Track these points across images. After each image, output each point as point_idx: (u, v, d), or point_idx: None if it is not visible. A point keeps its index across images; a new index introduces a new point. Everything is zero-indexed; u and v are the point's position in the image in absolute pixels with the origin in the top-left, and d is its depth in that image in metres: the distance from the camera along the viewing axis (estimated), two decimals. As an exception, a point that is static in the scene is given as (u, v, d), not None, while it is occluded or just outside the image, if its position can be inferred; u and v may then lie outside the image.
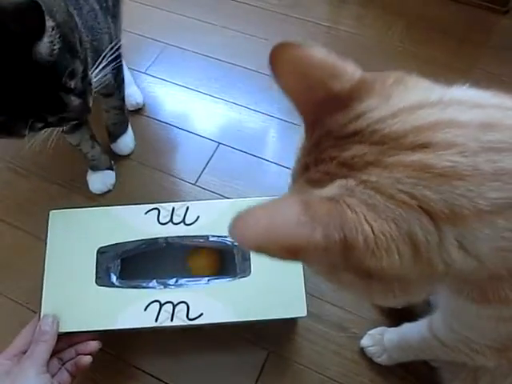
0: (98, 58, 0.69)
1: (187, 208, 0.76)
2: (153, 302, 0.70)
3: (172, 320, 0.69)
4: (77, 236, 0.75)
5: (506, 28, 1.22)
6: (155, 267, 0.74)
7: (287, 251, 0.32)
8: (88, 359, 0.69)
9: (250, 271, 0.72)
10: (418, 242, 0.31)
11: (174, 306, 0.69)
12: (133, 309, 0.69)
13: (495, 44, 1.19)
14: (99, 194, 0.98)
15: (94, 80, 0.67)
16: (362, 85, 0.36)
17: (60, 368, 0.68)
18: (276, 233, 0.31)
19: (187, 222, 0.75)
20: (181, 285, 0.72)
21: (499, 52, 1.16)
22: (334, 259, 0.32)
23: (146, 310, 0.69)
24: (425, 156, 0.31)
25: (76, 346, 0.70)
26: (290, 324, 0.83)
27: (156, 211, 0.76)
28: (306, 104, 0.39)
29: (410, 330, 0.68)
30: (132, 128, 1.04)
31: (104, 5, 0.76)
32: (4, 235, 0.94)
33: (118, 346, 0.80)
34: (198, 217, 0.76)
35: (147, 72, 1.18)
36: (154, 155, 1.04)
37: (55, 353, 0.67)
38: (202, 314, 0.69)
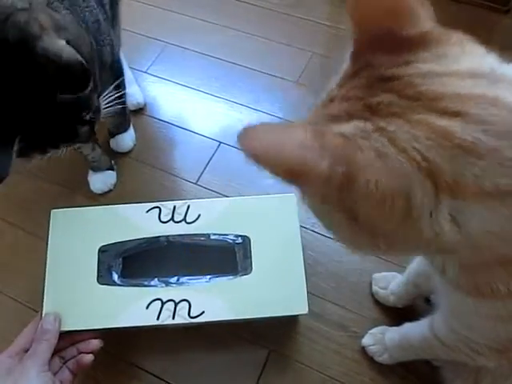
0: (102, 72, 0.71)
1: (188, 206, 0.76)
2: (154, 300, 0.70)
3: (174, 318, 0.69)
4: (78, 235, 0.75)
5: (508, 27, 1.22)
6: (157, 266, 0.74)
7: (289, 172, 0.32)
8: (89, 357, 0.69)
9: (252, 269, 0.72)
10: (414, 201, 0.31)
11: (176, 304, 0.69)
12: (134, 307, 0.69)
13: (497, 44, 1.18)
14: (100, 194, 0.98)
15: (103, 107, 0.70)
16: (428, 36, 0.35)
17: (61, 367, 0.68)
18: (284, 151, 0.31)
19: (188, 221, 0.75)
20: (182, 283, 0.72)
21: (501, 52, 1.16)
22: (331, 192, 0.32)
23: (147, 308, 0.69)
24: (451, 123, 0.31)
25: (78, 345, 0.70)
26: (291, 323, 0.83)
27: (157, 210, 0.77)
28: (365, 28, 0.37)
29: (411, 330, 0.68)
30: (133, 127, 1.04)
31: (105, 16, 0.77)
32: (5, 234, 0.95)
33: (120, 345, 0.80)
34: (199, 215, 0.76)
35: (148, 71, 1.18)
36: (154, 154, 1.04)
37: (57, 351, 0.67)
38: (203, 312, 0.69)
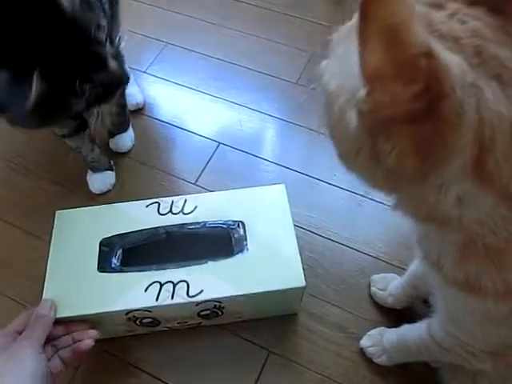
0: None
1: (185, 200, 0.80)
2: (153, 283, 0.71)
3: (173, 298, 0.69)
4: (81, 232, 0.76)
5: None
6: (156, 256, 0.75)
7: (392, 63, 0.29)
8: (88, 343, 0.67)
9: (247, 250, 0.74)
10: (447, 167, 0.31)
11: (175, 285, 0.70)
12: (133, 291, 0.70)
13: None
14: (99, 194, 0.98)
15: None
16: None
17: (53, 355, 0.67)
18: (406, 44, 0.28)
19: (186, 212, 0.79)
20: (180, 267, 0.73)
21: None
22: (395, 113, 0.30)
23: (146, 291, 0.70)
24: None
25: (73, 334, 0.69)
26: (289, 323, 0.83)
27: (156, 204, 0.80)
28: None
29: (410, 331, 0.68)
30: (132, 127, 1.04)
31: (102, 14, 0.77)
32: (4, 234, 0.94)
33: (117, 344, 0.80)
34: (196, 207, 0.79)
35: (147, 71, 1.18)
36: (154, 155, 1.04)
37: (50, 340, 0.66)
38: (202, 291, 0.70)
